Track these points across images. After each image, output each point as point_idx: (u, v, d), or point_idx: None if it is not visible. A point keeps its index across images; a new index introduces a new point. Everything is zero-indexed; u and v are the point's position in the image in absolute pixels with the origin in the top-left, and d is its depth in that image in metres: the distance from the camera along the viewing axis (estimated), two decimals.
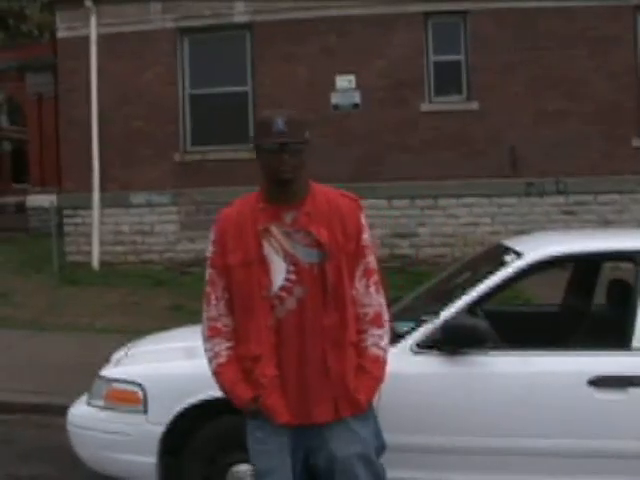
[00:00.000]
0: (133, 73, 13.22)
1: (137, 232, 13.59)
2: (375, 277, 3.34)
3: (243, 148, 13.44)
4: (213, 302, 3.36)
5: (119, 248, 13.59)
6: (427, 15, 13.01)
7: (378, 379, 3.30)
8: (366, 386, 3.26)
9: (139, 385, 4.43)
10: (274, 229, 3.26)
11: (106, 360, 5.15)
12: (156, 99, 13.23)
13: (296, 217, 3.26)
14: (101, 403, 4.59)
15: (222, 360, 3.33)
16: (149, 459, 4.39)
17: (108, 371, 4.73)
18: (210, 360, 3.37)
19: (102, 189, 13.47)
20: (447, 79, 13.12)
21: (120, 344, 5.76)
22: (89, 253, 13.57)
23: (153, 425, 4.38)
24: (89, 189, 13.43)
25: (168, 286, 12.44)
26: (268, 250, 3.25)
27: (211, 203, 13.34)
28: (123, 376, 4.56)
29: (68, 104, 13.59)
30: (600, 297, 5.41)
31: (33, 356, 8.51)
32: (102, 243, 13.56)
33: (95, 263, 13.52)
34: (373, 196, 12.24)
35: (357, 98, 13.11)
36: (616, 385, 3.98)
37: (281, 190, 3.26)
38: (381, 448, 3.43)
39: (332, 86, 13.07)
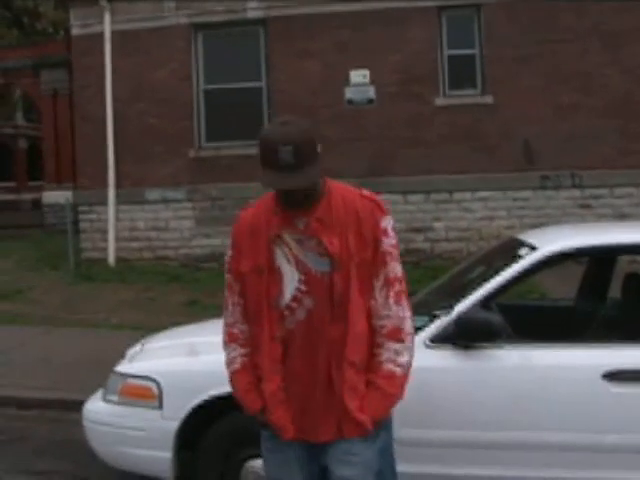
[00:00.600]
0: (147, 70, 13.26)
1: (152, 228, 13.63)
2: (397, 287, 3.07)
3: (257, 144, 13.42)
4: (230, 308, 3.24)
5: (134, 244, 13.64)
6: (441, 9, 12.99)
7: (391, 396, 3.06)
8: (375, 404, 3.04)
9: (154, 381, 4.44)
10: (286, 236, 3.06)
11: (121, 356, 5.17)
12: (170, 95, 13.26)
13: (308, 223, 3.04)
14: (116, 398, 4.61)
15: (236, 367, 3.23)
16: (164, 454, 4.41)
17: (123, 367, 4.75)
18: (227, 366, 3.27)
19: (117, 185, 13.52)
20: (461, 73, 13.09)
21: (135, 340, 5.78)
22: (105, 249, 13.63)
23: (168, 420, 4.39)
24: (104, 185, 13.48)
25: (183, 282, 12.48)
26: (280, 258, 3.07)
27: (226, 199, 13.40)
28: (138, 372, 4.58)
29: (83, 101, 13.65)
30: (615, 291, 5.39)
31: (48, 352, 8.56)
32: (118, 239, 13.61)
33: (111, 259, 13.58)
34: (388, 191, 12.22)
35: (371, 93, 13.10)
36: (631, 379, 3.96)
37: (289, 195, 3.01)
38: (390, 471, 3.32)
39: (346, 81, 13.07)
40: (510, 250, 4.68)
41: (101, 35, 13.29)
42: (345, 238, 3.01)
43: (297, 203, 3.01)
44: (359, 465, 3.04)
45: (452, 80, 13.11)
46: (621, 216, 12.42)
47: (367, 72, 13.04)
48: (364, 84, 13.09)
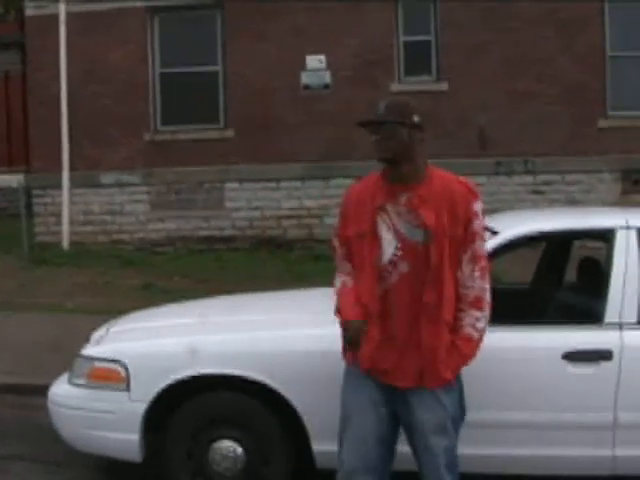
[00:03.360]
0: (103, 52, 13.07)
1: (107, 212, 13.52)
2: (482, 263, 3.57)
3: (213, 127, 13.46)
4: (339, 261, 3.78)
5: (89, 228, 13.52)
6: None
7: (467, 356, 3.58)
8: (454, 361, 3.55)
9: (121, 363, 4.47)
10: (389, 207, 3.58)
11: (85, 339, 5.17)
12: (126, 78, 13.12)
13: (410, 198, 3.55)
14: (83, 381, 4.62)
15: (348, 285, 3.71)
16: (132, 436, 4.45)
17: (90, 350, 4.76)
18: (338, 287, 3.76)
19: (72, 169, 13.34)
20: (417, 59, 13.17)
21: (93, 323, 5.78)
22: (59, 233, 13.47)
23: (136, 402, 4.43)
24: (59, 169, 13.29)
25: (139, 266, 12.42)
26: (381, 226, 3.58)
27: (181, 182, 13.36)
28: (105, 354, 4.60)
29: (37, 83, 13.42)
30: (570, 275, 5.55)
31: (5, 337, 8.47)
32: (72, 223, 13.46)
33: (65, 243, 13.44)
34: (344, 175, 12.29)
35: (327, 78, 13.14)
36: (587, 359, 4.11)
37: (393, 171, 3.60)
38: (461, 417, 3.70)
39: (303, 66, 13.08)
40: None
41: (56, 16, 13.02)
42: (441, 215, 3.51)
43: (399, 177, 3.57)
44: (442, 411, 3.55)
45: (408, 66, 13.20)
46: (572, 202, 12.67)
47: (323, 57, 13.07)
48: (320, 69, 13.12)
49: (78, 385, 4.66)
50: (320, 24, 12.87)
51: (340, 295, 3.72)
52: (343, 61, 12.97)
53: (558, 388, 4.14)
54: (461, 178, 3.63)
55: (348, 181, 12.78)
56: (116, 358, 4.50)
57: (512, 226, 4.57)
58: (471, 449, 4.08)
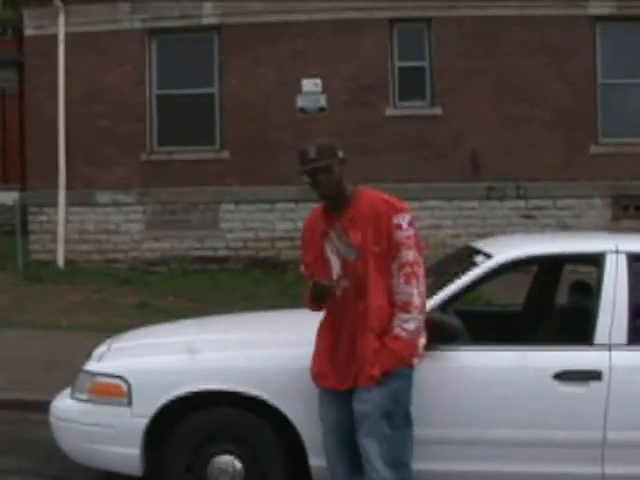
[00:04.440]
0: (101, 72, 13.22)
1: (102, 231, 13.60)
2: (407, 270, 3.95)
3: (209, 149, 13.60)
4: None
5: (84, 247, 13.60)
6: (392, 21, 13.24)
7: (396, 353, 3.92)
8: (383, 359, 3.91)
9: (123, 379, 4.56)
10: (331, 232, 4.10)
11: (84, 356, 5.25)
12: (123, 98, 13.26)
13: (342, 222, 4.06)
14: (85, 396, 4.71)
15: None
16: (133, 451, 4.54)
17: (92, 365, 4.85)
18: None
19: (68, 187, 13.45)
20: (411, 84, 13.36)
21: (87, 341, 5.88)
22: (54, 251, 13.54)
23: (137, 417, 4.52)
24: (55, 187, 13.40)
25: (133, 285, 12.48)
26: (327, 249, 4.11)
27: (176, 203, 13.47)
28: (108, 370, 4.69)
29: (35, 102, 13.55)
30: (560, 298, 5.68)
31: (0, 353, 8.52)
32: (67, 241, 13.54)
33: (60, 261, 13.51)
34: None
35: (323, 101, 13.30)
36: (578, 379, 4.23)
37: (331, 202, 4.10)
38: (403, 415, 3.99)
39: (298, 89, 13.24)
40: (465, 258, 4.93)
41: (55, 37, 13.20)
42: (366, 232, 3.97)
43: (334, 206, 4.08)
44: (370, 403, 3.93)
45: (402, 91, 13.37)
46: (563, 227, 12.82)
47: (319, 81, 13.24)
48: (316, 92, 13.29)
49: (80, 400, 4.74)
50: (317, 48, 13.05)
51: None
52: (339, 85, 13.14)
53: (549, 407, 4.24)
54: (386, 196, 4.08)
55: None
56: (118, 374, 4.60)
57: (504, 250, 4.70)
58: (462, 466, 4.19)
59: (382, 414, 3.92)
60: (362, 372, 3.94)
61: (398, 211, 4.00)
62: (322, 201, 4.15)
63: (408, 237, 3.99)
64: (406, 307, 3.93)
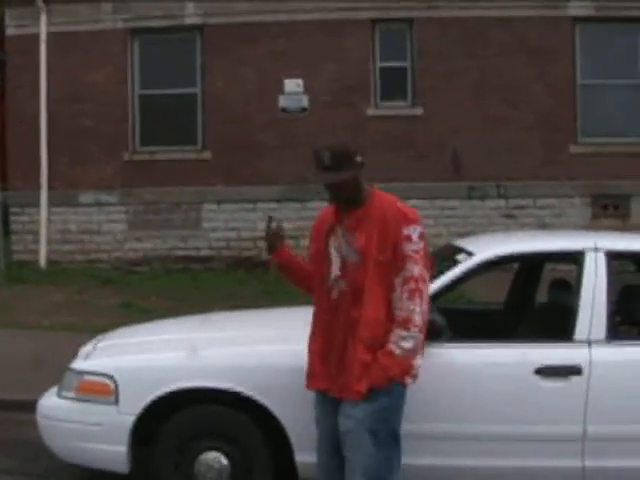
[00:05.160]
0: (83, 72, 13.19)
1: (85, 231, 13.58)
2: (412, 285, 3.71)
3: (192, 149, 13.63)
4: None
5: (66, 247, 13.57)
6: (374, 22, 13.31)
7: (387, 370, 3.70)
8: (371, 375, 3.72)
9: (110, 377, 4.60)
10: (337, 229, 3.91)
11: (70, 355, 5.28)
12: (105, 98, 13.24)
13: (350, 221, 3.86)
14: (72, 395, 4.73)
15: None
16: (120, 448, 4.57)
17: (79, 364, 4.88)
18: None
19: (50, 187, 13.41)
20: (393, 85, 13.44)
21: (71, 341, 5.89)
22: (36, 252, 13.51)
23: (124, 415, 4.55)
24: (37, 187, 13.37)
25: (116, 285, 12.47)
26: (331, 245, 3.91)
27: (159, 203, 13.48)
28: (94, 368, 4.72)
29: (16, 101, 13.51)
30: (541, 295, 5.76)
31: None
32: (49, 242, 13.52)
33: (42, 262, 13.48)
34: (319, 198, 12.43)
35: (305, 101, 13.35)
36: (559, 374, 4.32)
37: (343, 204, 3.89)
38: (389, 432, 3.81)
39: (281, 89, 13.29)
40: (448, 256, 5.00)
41: (37, 36, 13.17)
42: (371, 238, 3.75)
43: (343, 204, 3.87)
44: (353, 419, 3.75)
45: (384, 91, 13.45)
46: (543, 226, 12.92)
47: (301, 81, 13.29)
48: (298, 92, 13.34)
49: (67, 398, 4.77)
50: (299, 49, 13.10)
51: None
52: (321, 85, 13.19)
53: (531, 402, 4.33)
54: (400, 203, 3.84)
55: (324, 204, 12.79)
56: (105, 372, 4.63)
57: (485, 249, 4.78)
58: (445, 461, 4.27)
59: (366, 431, 3.72)
60: (349, 385, 3.76)
61: (410, 222, 3.76)
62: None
63: (416, 251, 3.74)
64: (406, 324, 3.70)
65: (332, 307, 3.87)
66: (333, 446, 3.90)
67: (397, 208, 3.80)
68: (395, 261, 3.72)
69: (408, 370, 3.75)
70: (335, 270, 3.86)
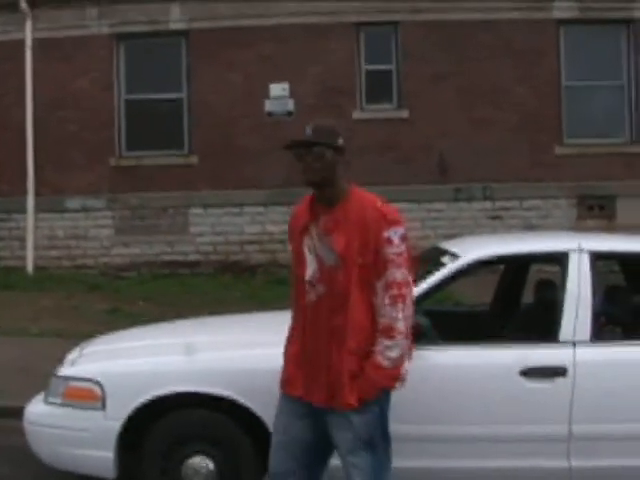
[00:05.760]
0: (68, 78, 13.19)
1: (72, 237, 13.57)
2: (394, 291, 3.53)
3: (178, 153, 13.63)
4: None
5: (53, 253, 13.55)
6: (359, 25, 13.36)
7: (376, 382, 3.58)
8: (362, 388, 3.57)
9: (97, 382, 4.59)
10: (312, 228, 3.67)
11: (56, 361, 5.27)
12: (91, 104, 13.24)
13: (326, 221, 3.63)
14: (59, 400, 4.72)
15: None
16: (107, 454, 4.55)
17: (66, 370, 4.87)
18: None
19: (37, 193, 13.41)
20: (378, 87, 13.49)
21: (59, 347, 5.87)
22: (23, 258, 13.49)
23: (111, 421, 4.54)
24: (23, 193, 13.36)
25: (103, 290, 12.45)
26: (306, 245, 3.68)
27: (146, 208, 13.47)
28: (81, 374, 4.72)
29: (2, 107, 13.44)
30: (527, 297, 5.79)
31: None
32: (36, 248, 13.50)
33: (29, 268, 13.46)
34: None
35: (290, 105, 13.37)
36: (544, 375, 4.34)
37: (318, 194, 3.68)
38: (383, 438, 3.72)
39: (266, 93, 13.31)
40: (433, 258, 5.02)
41: (22, 42, 13.16)
42: (352, 240, 3.54)
43: (320, 198, 3.66)
44: (350, 431, 3.61)
45: (369, 94, 13.50)
46: (529, 227, 13.00)
47: (287, 85, 13.32)
48: (284, 97, 13.37)
49: (54, 404, 4.76)
50: (284, 53, 13.13)
51: None
52: (306, 89, 13.22)
53: (516, 403, 4.35)
54: (380, 203, 3.63)
55: None
56: (92, 377, 4.63)
57: (471, 250, 4.80)
58: (431, 462, 4.29)
59: (361, 441, 3.62)
60: (339, 396, 3.58)
61: (390, 224, 3.55)
62: (309, 187, 3.70)
63: (398, 254, 3.54)
64: (389, 332, 3.53)
65: (310, 311, 3.67)
66: (301, 450, 3.77)
67: (377, 208, 3.58)
68: (376, 265, 3.53)
69: (397, 377, 3.64)
70: (310, 272, 3.64)
